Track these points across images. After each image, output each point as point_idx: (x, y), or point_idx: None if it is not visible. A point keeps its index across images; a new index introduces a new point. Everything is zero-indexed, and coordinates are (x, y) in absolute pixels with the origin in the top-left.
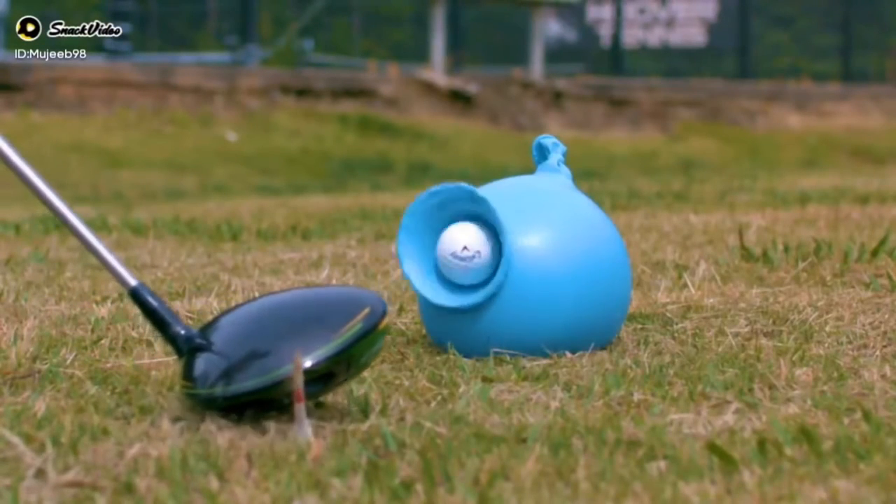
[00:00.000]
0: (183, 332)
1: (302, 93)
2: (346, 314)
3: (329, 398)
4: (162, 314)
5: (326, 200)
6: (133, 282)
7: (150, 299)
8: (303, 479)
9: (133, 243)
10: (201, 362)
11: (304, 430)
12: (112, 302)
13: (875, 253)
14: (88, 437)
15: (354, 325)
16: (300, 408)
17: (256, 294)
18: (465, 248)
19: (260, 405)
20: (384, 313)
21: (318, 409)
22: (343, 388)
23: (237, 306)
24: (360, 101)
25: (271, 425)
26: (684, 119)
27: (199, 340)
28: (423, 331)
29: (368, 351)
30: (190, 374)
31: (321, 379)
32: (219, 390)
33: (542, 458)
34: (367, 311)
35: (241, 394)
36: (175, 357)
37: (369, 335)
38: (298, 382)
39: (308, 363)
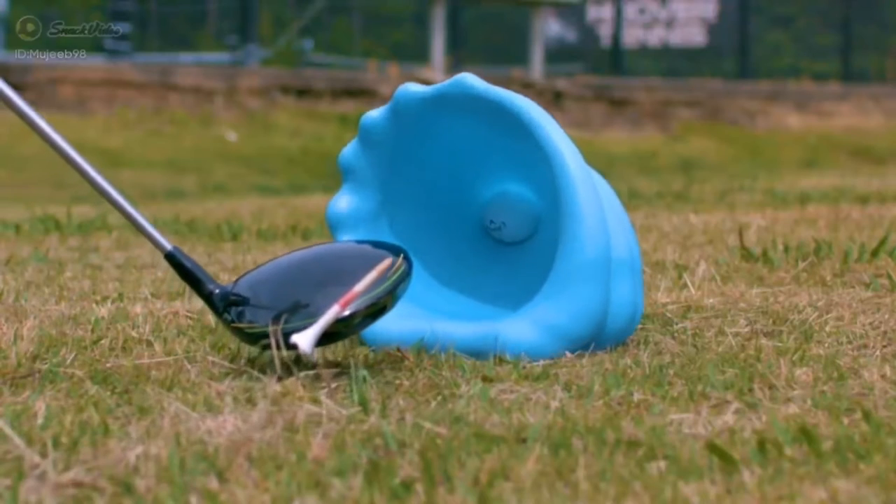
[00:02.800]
0: (217, 290)
1: (302, 93)
2: (386, 259)
3: (329, 398)
4: (197, 274)
5: (326, 200)
6: (168, 246)
7: (185, 262)
8: (303, 479)
9: (133, 243)
10: (246, 311)
11: (311, 344)
12: (112, 302)
13: (875, 253)
14: (88, 437)
15: (399, 267)
16: (332, 314)
17: None
18: (491, 221)
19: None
20: (411, 259)
21: (317, 406)
22: (343, 388)
23: (263, 265)
24: (360, 101)
25: (272, 425)
26: (684, 119)
27: (234, 296)
28: None
29: (404, 290)
30: (234, 319)
31: (377, 313)
32: (272, 329)
33: (542, 458)
34: (402, 255)
35: (293, 331)
36: (175, 356)
37: (409, 276)
38: (367, 286)
39: (378, 293)
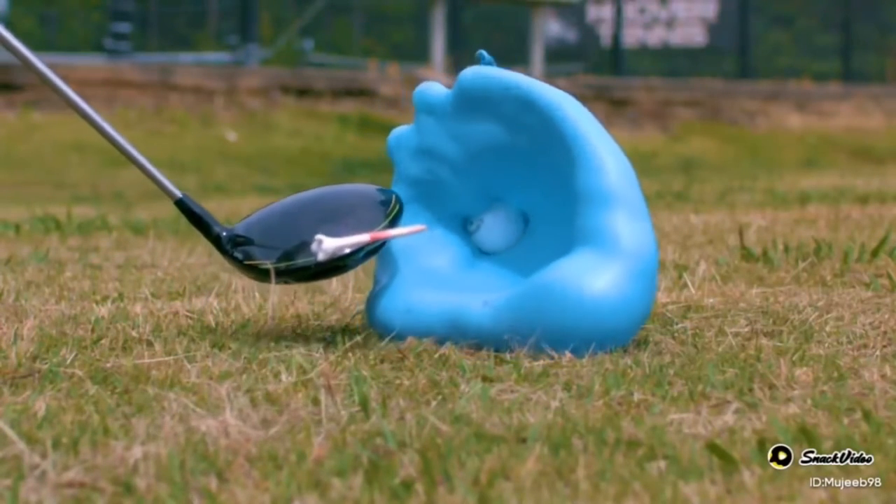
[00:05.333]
0: (224, 232)
1: (302, 93)
2: (382, 201)
3: (329, 398)
4: (206, 219)
5: None
6: (178, 193)
7: (194, 208)
8: (303, 479)
9: (133, 243)
10: (253, 249)
11: (332, 250)
12: (112, 302)
13: (875, 253)
14: (88, 437)
15: (395, 207)
16: (360, 239)
17: (256, 294)
18: (471, 221)
19: (311, 277)
20: (402, 200)
21: (317, 406)
22: (343, 388)
23: (265, 207)
24: (360, 101)
25: (272, 425)
26: (684, 119)
27: (240, 238)
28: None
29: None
30: (243, 258)
31: (375, 251)
32: (281, 265)
33: (542, 457)
34: (394, 196)
35: (303, 268)
36: (175, 356)
37: (402, 214)
38: (397, 234)
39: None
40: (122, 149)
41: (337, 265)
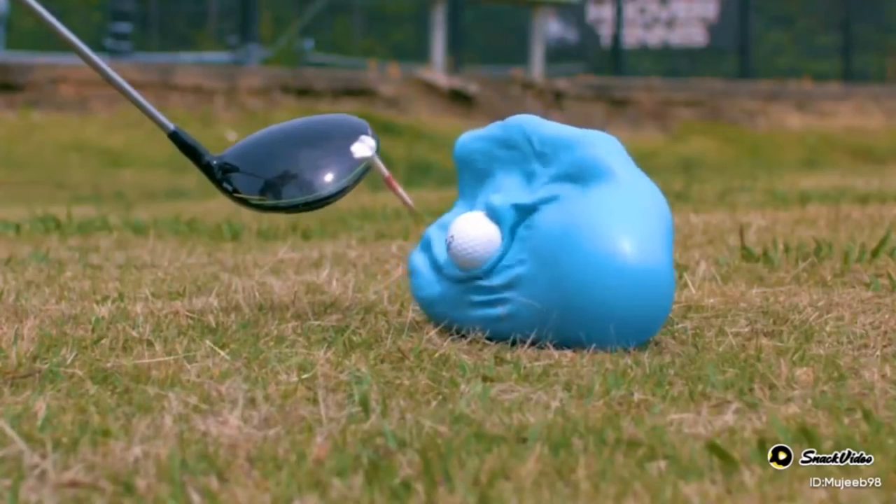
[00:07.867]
0: (214, 161)
1: (302, 92)
2: (360, 134)
3: (329, 398)
4: (198, 149)
5: None
6: (171, 126)
7: (187, 139)
8: (303, 479)
9: (133, 243)
10: (241, 179)
11: (371, 148)
12: (112, 302)
13: (875, 253)
14: (88, 437)
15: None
16: (383, 171)
17: (257, 294)
18: (451, 236)
19: (300, 210)
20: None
21: (317, 406)
22: (343, 388)
23: (254, 135)
24: (360, 101)
25: (272, 425)
26: (684, 119)
27: (228, 165)
28: (422, 330)
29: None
30: (234, 188)
31: (349, 190)
32: (269, 202)
33: (542, 457)
34: (370, 130)
35: (290, 206)
36: (175, 356)
37: (380, 148)
38: (401, 195)
39: (366, 166)
40: (112, 80)
41: (324, 201)
